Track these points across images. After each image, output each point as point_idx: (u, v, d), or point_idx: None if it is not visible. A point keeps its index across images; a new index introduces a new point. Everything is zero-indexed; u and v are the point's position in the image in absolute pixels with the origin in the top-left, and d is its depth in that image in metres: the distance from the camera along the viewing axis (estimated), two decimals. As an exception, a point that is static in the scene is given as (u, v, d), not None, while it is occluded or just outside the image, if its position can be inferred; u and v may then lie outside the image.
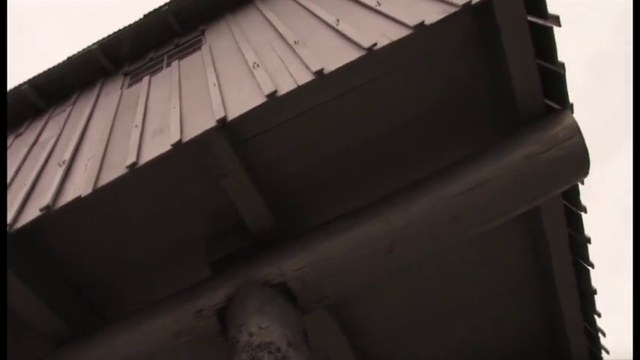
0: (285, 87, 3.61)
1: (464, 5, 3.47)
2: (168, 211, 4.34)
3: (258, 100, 3.61)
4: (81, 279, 4.59)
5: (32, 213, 3.81)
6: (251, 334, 3.50)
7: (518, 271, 5.24)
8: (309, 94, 3.70)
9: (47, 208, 3.71)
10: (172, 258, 4.54)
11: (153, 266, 4.56)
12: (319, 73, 3.54)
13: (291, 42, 4.25)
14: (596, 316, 5.31)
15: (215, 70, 4.59)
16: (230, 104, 3.77)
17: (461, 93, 4.22)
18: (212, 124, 3.60)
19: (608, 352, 5.56)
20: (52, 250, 4.37)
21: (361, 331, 5.39)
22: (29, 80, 6.46)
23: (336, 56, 3.67)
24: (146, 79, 5.48)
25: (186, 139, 3.63)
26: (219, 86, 4.16)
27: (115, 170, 3.76)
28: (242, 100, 3.73)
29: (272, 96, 3.56)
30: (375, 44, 3.51)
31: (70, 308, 4.49)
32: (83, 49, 6.42)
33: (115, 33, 6.40)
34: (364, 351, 5.57)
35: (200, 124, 3.72)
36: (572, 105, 3.99)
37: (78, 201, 3.69)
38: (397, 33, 3.58)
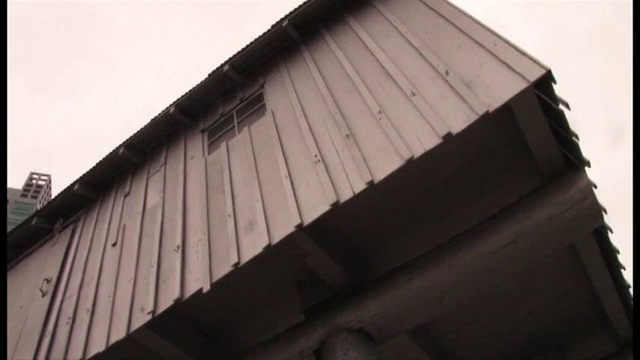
0: (345, 195, 4.76)
1: (482, 115, 4.36)
2: (276, 286, 5.73)
3: (325, 207, 4.79)
4: (207, 321, 6.15)
5: (166, 302, 5.34)
6: (342, 377, 4.91)
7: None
8: (362, 195, 4.79)
9: (178, 300, 5.21)
10: (273, 310, 6.00)
11: (260, 317, 6.05)
12: (370, 183, 4.63)
13: (343, 133, 5.29)
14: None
15: (283, 153, 5.72)
16: (302, 206, 4.96)
17: (489, 158, 5.15)
18: (292, 228, 4.84)
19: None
20: (187, 315, 5.90)
21: (435, 331, 6.71)
22: (124, 142, 7.89)
23: (381, 163, 4.72)
24: (224, 145, 6.69)
25: (274, 242, 4.91)
26: (290, 179, 5.33)
27: (223, 266, 5.15)
28: (312, 204, 4.91)
29: (335, 204, 4.72)
30: (412, 157, 4.52)
31: (196, 345, 6.11)
32: (163, 111, 7.69)
33: (186, 93, 7.59)
34: (444, 353, 6.93)
35: (282, 225, 4.97)
36: (588, 162, 4.83)
37: (199, 292, 5.13)
38: (429, 141, 4.56)
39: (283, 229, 4.96)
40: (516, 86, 4.34)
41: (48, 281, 7.30)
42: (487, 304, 6.52)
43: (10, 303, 7.67)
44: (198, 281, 5.26)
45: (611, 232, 5.49)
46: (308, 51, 7.04)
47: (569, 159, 4.86)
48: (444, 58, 5.18)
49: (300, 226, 4.83)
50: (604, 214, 4.80)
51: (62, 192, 8.22)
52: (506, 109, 4.51)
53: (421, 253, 5.27)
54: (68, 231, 8.06)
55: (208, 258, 5.37)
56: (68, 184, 8.21)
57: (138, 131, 7.85)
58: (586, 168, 4.82)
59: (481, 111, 4.42)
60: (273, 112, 6.50)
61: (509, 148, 5.14)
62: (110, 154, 7.97)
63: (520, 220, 4.89)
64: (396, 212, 5.49)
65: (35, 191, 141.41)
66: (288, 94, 6.58)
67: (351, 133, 5.26)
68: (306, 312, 5.67)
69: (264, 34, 7.30)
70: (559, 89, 4.53)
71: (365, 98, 5.50)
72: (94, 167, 8.08)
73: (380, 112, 5.18)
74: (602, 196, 6.02)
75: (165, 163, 7.51)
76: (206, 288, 5.10)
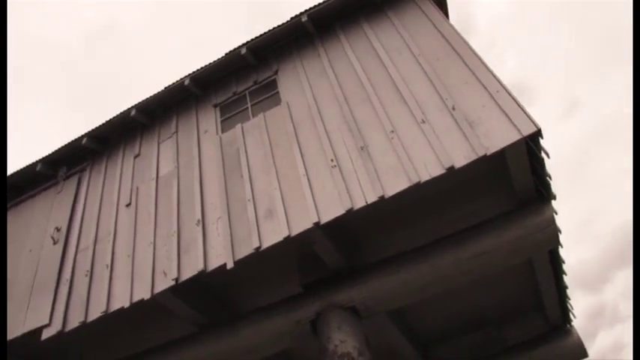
0: (358, 202, 5.82)
1: (481, 157, 5.47)
2: (277, 261, 6.77)
3: (340, 210, 5.85)
4: (216, 286, 7.21)
5: (190, 271, 6.33)
6: (335, 346, 6.16)
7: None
8: (373, 205, 5.86)
9: (202, 272, 6.22)
10: (272, 280, 7.12)
11: (264, 283, 7.15)
12: (381, 197, 5.71)
13: (358, 144, 6.28)
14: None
15: (300, 150, 6.65)
16: (319, 205, 5.99)
17: (475, 180, 6.31)
18: (310, 225, 5.89)
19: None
20: (199, 280, 6.89)
21: (404, 308, 8.07)
22: (135, 105, 8.51)
23: (391, 180, 5.79)
24: (239, 127, 7.51)
25: (293, 233, 5.95)
26: (308, 177, 6.31)
27: (244, 248, 6.16)
28: (328, 205, 5.94)
29: (350, 210, 5.79)
30: (419, 181, 5.60)
31: (207, 307, 7.20)
32: (177, 81, 8.33)
33: (201, 67, 8.24)
34: (409, 326, 8.34)
35: (301, 220, 6.00)
36: (555, 196, 6.09)
37: (223, 268, 6.16)
38: (434, 169, 5.64)
39: (302, 223, 5.99)
40: (512, 136, 5.44)
41: (58, 230, 8.06)
42: (449, 290, 7.91)
43: (16, 244, 8.40)
44: (221, 257, 6.26)
45: (561, 246, 6.88)
46: (322, 47, 7.84)
47: (540, 191, 6.10)
48: (452, 91, 6.19)
49: (317, 224, 5.88)
50: (560, 236, 6.14)
51: (69, 143, 8.80)
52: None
53: (407, 249, 6.48)
54: (73, 180, 8.74)
55: (230, 237, 6.36)
56: (76, 137, 8.78)
57: (151, 96, 8.47)
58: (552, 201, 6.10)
59: (480, 152, 5.51)
60: (288, 105, 7.34)
61: (492, 174, 6.30)
62: (121, 114, 8.58)
63: (495, 235, 6.15)
64: (390, 213, 6.61)
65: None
66: (303, 90, 7.41)
67: (365, 145, 6.26)
68: (305, 286, 6.83)
69: (283, 23, 7.98)
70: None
71: (379, 114, 6.46)
72: (102, 124, 8.68)
73: (392, 131, 6.19)
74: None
75: (176, 132, 8.25)
76: (229, 265, 6.12)
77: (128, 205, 7.75)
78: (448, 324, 8.71)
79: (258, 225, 6.29)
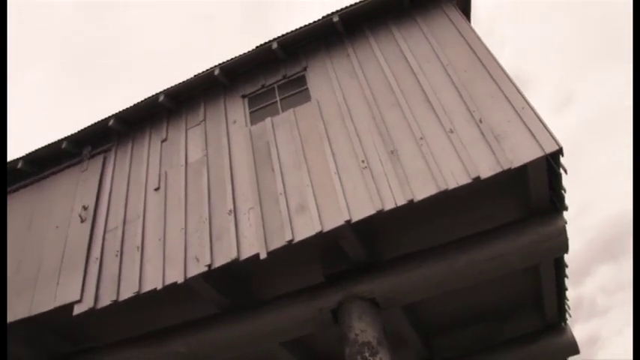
0: (388, 204, 6.34)
1: (505, 170, 6.01)
2: (298, 249, 7.26)
3: (370, 210, 6.37)
4: (241, 272, 7.72)
5: (223, 259, 6.82)
6: (356, 335, 6.74)
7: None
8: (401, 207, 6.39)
9: (235, 260, 6.71)
10: (294, 269, 7.64)
11: (286, 272, 7.68)
12: (410, 201, 6.24)
13: (388, 148, 6.77)
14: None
15: (331, 148, 7.12)
16: (350, 204, 6.50)
17: (495, 187, 6.87)
18: (342, 222, 6.40)
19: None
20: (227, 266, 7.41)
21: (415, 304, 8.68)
22: (164, 90, 8.88)
23: (420, 185, 6.31)
24: (268, 121, 7.95)
25: (325, 229, 6.46)
26: (339, 176, 6.80)
27: (277, 239, 6.66)
28: (359, 204, 6.45)
29: (380, 211, 6.31)
30: (447, 189, 6.13)
31: (232, 291, 7.72)
32: (207, 69, 8.71)
33: (231, 58, 8.63)
34: (417, 317, 8.96)
35: (332, 217, 6.50)
36: (567, 207, 6.67)
37: (256, 257, 6.66)
38: (461, 178, 6.17)
39: (334, 220, 6.50)
40: (535, 152, 5.99)
41: (85, 208, 8.47)
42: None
43: (42, 220, 8.79)
44: (253, 247, 6.76)
45: (567, 252, 7.51)
46: (352, 47, 8.27)
47: (553, 202, 6.68)
48: (479, 104, 6.70)
49: (348, 222, 6.40)
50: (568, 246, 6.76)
51: (95, 123, 9.15)
52: (522, 162, 6.18)
53: (424, 248, 7.05)
54: (98, 160, 9.11)
55: (262, 228, 6.85)
56: (102, 118, 9.13)
57: (179, 83, 8.84)
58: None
59: (505, 166, 6.05)
60: (318, 103, 7.79)
61: (509, 183, 6.85)
62: (149, 98, 8.94)
63: (510, 240, 6.75)
64: (408, 213, 7.11)
65: None
66: (333, 88, 7.86)
67: (395, 150, 6.76)
68: (327, 277, 7.38)
69: (314, 22, 8.38)
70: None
71: (408, 120, 6.95)
72: (130, 107, 9.04)
73: (422, 138, 6.69)
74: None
75: (204, 120, 8.65)
76: (263, 255, 6.62)
77: (157, 189, 8.17)
78: (453, 316, 9.38)
79: (290, 218, 6.78)
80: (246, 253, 6.79)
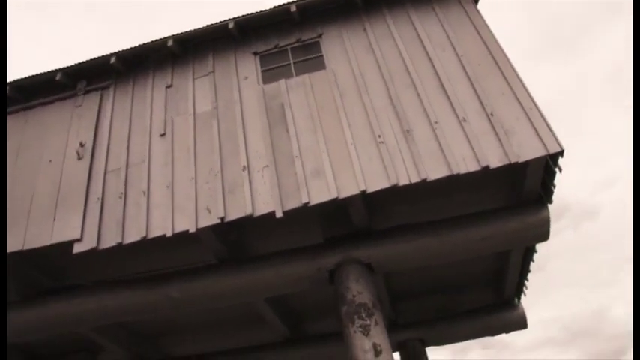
0: (402, 180, 7.02)
1: (512, 163, 6.84)
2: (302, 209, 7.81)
3: (385, 183, 7.03)
4: (245, 228, 8.17)
5: (236, 213, 7.27)
6: (354, 296, 7.47)
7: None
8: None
9: (250, 216, 7.19)
10: (293, 228, 8.20)
11: (291, 230, 8.21)
12: (424, 180, 6.95)
13: (404, 127, 7.41)
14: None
15: (347, 119, 7.67)
16: (366, 175, 7.12)
17: (491, 176, 7.74)
18: (357, 191, 7.03)
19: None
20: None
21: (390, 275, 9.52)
22: (172, 36, 8.98)
23: (433, 166, 7.03)
24: (282, 82, 8.34)
25: (341, 196, 7.06)
26: (355, 147, 7.38)
27: (292, 201, 7.19)
28: (374, 176, 7.09)
29: (395, 186, 6.99)
30: (459, 173, 6.89)
31: (231, 241, 8.21)
32: (221, 21, 8.90)
33: (246, 14, 8.85)
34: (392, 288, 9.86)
35: (348, 185, 7.10)
36: (552, 201, 7.66)
37: (271, 215, 7.16)
38: (471, 165, 6.94)
39: (349, 188, 7.10)
40: (539, 151, 6.84)
41: (82, 145, 8.53)
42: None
43: (32, 151, 8.74)
44: (268, 205, 7.25)
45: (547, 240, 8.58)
46: (369, 22, 8.75)
47: (541, 196, 7.65)
48: (491, 99, 7.45)
49: (364, 192, 7.03)
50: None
51: (95, 58, 9.10)
52: (524, 157, 7.05)
53: (421, 221, 7.84)
54: (95, 96, 9.11)
55: (277, 188, 7.33)
56: (103, 54, 9.09)
57: (190, 30, 8.96)
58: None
59: (512, 159, 6.87)
60: (334, 72, 8.26)
61: (503, 173, 7.70)
62: (156, 41, 9.00)
63: (499, 224, 7.67)
64: (407, 188, 7.82)
65: None
66: (349, 60, 8.36)
67: (410, 130, 7.41)
68: (327, 239, 8.01)
69: (335, -9, 8.75)
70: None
71: (423, 103, 7.61)
72: (135, 47, 9.05)
73: (437, 122, 7.38)
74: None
75: (213, 71, 8.87)
76: (279, 214, 7.13)
77: (162, 135, 8.38)
78: (419, 285, 10.37)
79: (306, 181, 7.31)
80: (261, 210, 7.26)
